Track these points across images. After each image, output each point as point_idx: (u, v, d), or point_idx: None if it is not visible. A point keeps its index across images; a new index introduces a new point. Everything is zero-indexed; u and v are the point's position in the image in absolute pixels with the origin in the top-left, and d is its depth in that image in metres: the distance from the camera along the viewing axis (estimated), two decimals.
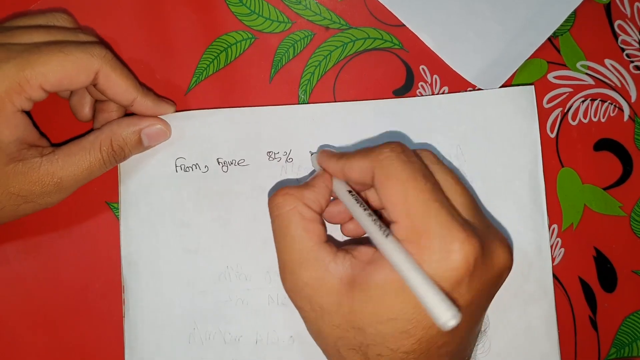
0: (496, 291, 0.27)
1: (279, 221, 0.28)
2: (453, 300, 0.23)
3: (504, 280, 0.27)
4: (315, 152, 0.34)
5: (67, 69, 0.29)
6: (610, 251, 0.36)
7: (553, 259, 0.35)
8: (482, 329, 0.34)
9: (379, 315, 0.25)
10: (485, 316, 0.34)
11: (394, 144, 0.27)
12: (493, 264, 0.25)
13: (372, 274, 0.25)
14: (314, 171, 0.33)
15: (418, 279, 0.23)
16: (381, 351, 0.25)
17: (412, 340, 0.25)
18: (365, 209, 0.27)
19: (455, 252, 0.23)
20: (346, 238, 0.33)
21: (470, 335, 0.27)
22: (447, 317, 0.22)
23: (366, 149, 0.27)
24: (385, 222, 0.26)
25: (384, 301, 0.25)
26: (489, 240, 0.25)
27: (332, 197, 0.30)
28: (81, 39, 0.31)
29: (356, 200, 0.28)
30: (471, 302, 0.25)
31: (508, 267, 0.26)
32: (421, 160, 0.27)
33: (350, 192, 0.28)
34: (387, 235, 0.25)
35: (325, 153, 0.30)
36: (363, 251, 0.26)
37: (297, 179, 0.34)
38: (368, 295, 0.25)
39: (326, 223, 0.30)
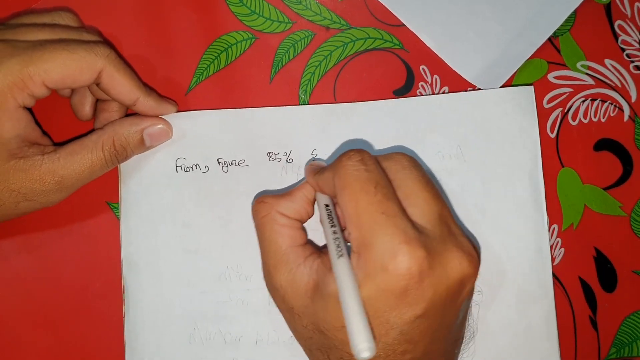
0: (462, 299, 0.27)
1: (257, 226, 0.30)
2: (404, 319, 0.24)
3: (469, 288, 0.27)
4: (308, 162, 0.35)
5: (70, 67, 0.29)
6: (611, 251, 0.36)
7: (553, 259, 0.35)
8: (469, 336, 0.33)
9: (334, 322, 0.25)
10: (473, 324, 0.34)
11: (352, 152, 0.27)
12: (447, 273, 0.25)
13: (330, 282, 0.26)
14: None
15: (348, 304, 0.24)
16: (342, 355, 0.26)
17: None
18: (332, 225, 0.27)
19: (397, 263, 0.24)
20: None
21: (438, 342, 0.27)
22: (361, 347, 0.23)
23: (333, 162, 0.28)
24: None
25: (337, 309, 0.25)
26: (444, 249, 0.25)
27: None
28: (85, 38, 0.32)
29: (328, 215, 0.28)
30: (426, 310, 0.25)
31: (468, 275, 0.26)
32: (379, 168, 0.27)
33: (327, 206, 0.29)
34: (339, 256, 0.25)
35: (309, 167, 0.31)
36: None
37: (279, 189, 0.35)
38: (325, 301, 0.26)
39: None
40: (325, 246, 0.32)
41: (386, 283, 0.24)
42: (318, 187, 0.29)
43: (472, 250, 0.26)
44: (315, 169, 0.30)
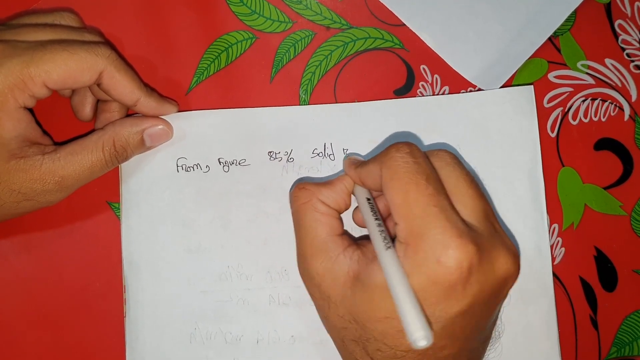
0: (501, 299, 0.27)
1: (295, 212, 0.30)
2: (445, 308, 0.24)
3: (509, 288, 0.27)
4: (346, 156, 0.35)
5: (71, 68, 0.29)
6: (611, 250, 0.36)
7: (554, 259, 0.35)
8: (496, 335, 0.33)
9: (376, 313, 0.25)
10: (500, 323, 0.34)
11: (401, 145, 0.27)
12: (494, 271, 0.25)
13: (373, 273, 0.26)
14: (341, 171, 0.34)
15: (401, 294, 0.23)
16: (380, 347, 0.26)
17: None
18: (376, 218, 0.27)
19: (449, 257, 0.24)
20: (362, 233, 0.34)
21: (473, 340, 0.27)
22: (418, 335, 0.22)
23: (377, 154, 0.28)
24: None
25: (381, 300, 0.25)
26: (492, 247, 0.25)
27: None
28: (86, 38, 0.32)
29: (371, 208, 0.28)
30: (470, 307, 0.25)
31: (512, 275, 0.26)
32: (428, 162, 0.27)
33: (368, 199, 0.29)
34: (387, 248, 0.25)
35: (349, 161, 0.31)
36: (371, 248, 0.27)
37: (319, 177, 0.35)
38: (368, 292, 0.26)
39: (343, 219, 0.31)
40: (361, 238, 0.32)
41: (437, 275, 0.24)
42: (359, 179, 0.29)
43: (516, 250, 0.26)
44: (356, 162, 0.30)
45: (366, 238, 0.29)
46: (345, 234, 0.30)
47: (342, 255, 0.27)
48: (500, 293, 0.26)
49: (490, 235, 0.26)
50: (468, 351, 0.27)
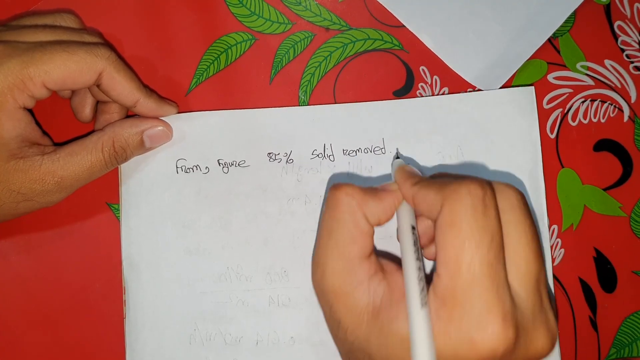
0: None
1: (330, 218, 0.27)
2: None
3: None
4: (397, 157, 0.34)
5: (70, 68, 0.29)
6: (610, 252, 0.36)
7: (553, 260, 0.35)
8: None
9: (390, 357, 0.24)
10: None
11: (475, 186, 0.23)
12: (527, 352, 0.23)
13: (396, 321, 0.24)
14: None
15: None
16: None
17: None
18: (417, 258, 0.25)
19: (484, 340, 0.22)
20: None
21: None
22: None
23: (444, 182, 0.25)
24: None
25: (397, 348, 0.24)
26: (533, 328, 0.23)
27: None
28: (86, 39, 0.32)
29: (414, 242, 0.25)
30: None
31: (544, 356, 0.24)
32: (498, 217, 0.24)
33: (413, 229, 0.26)
34: (422, 305, 0.23)
35: (404, 172, 0.28)
36: (399, 284, 0.25)
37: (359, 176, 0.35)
38: (385, 337, 0.24)
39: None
40: (383, 253, 0.30)
41: (464, 354, 0.22)
42: (412, 201, 0.26)
43: (556, 329, 0.24)
44: (413, 177, 0.27)
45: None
46: (373, 253, 0.27)
47: (367, 284, 0.25)
48: None
49: (534, 313, 0.24)
50: None
